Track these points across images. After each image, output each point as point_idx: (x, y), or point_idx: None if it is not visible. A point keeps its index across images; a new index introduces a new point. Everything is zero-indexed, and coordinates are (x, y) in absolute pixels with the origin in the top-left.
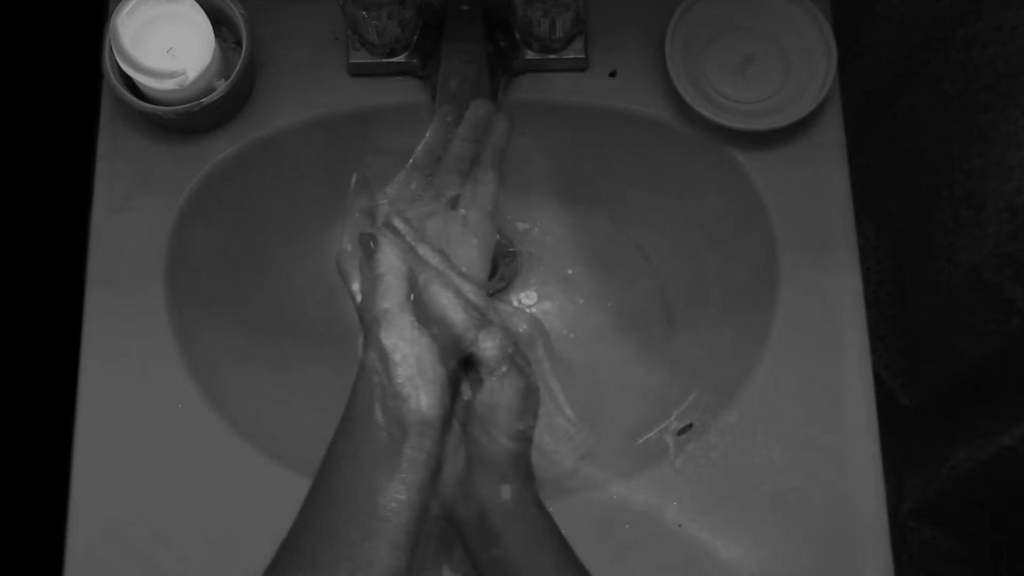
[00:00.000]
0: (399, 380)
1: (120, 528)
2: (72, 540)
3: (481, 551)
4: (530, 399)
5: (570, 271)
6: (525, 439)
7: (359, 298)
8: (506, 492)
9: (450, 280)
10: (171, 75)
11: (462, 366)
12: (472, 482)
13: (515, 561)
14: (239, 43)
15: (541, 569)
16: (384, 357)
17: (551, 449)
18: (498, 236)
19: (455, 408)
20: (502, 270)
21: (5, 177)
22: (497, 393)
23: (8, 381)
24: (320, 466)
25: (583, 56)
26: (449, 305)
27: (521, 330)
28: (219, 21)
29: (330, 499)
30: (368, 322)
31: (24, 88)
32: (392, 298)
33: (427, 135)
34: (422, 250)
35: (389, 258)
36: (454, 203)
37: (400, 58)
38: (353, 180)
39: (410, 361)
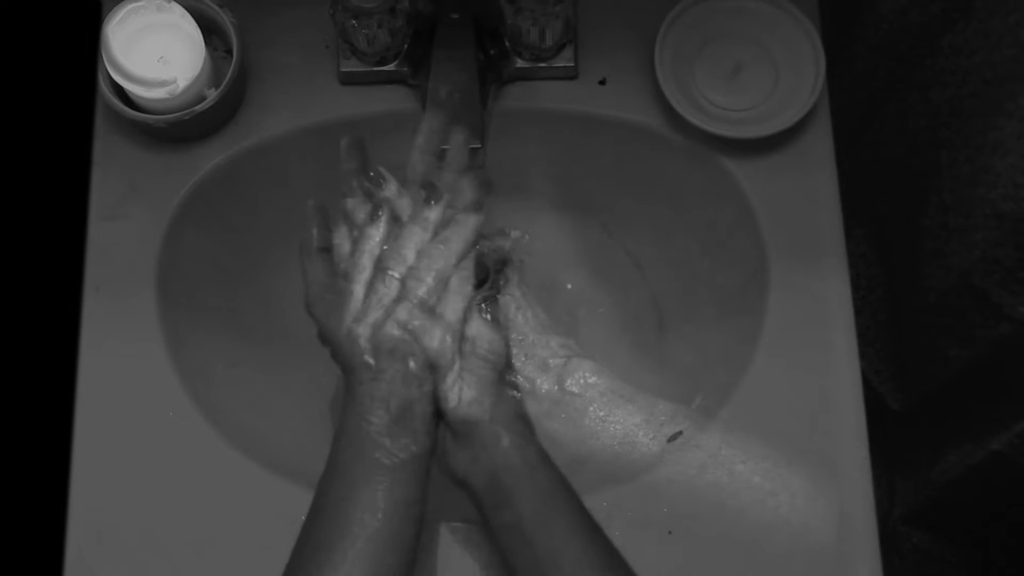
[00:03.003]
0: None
1: (116, 533)
2: (70, 545)
3: (494, 516)
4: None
5: (569, 286)
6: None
7: (341, 334)
8: (506, 441)
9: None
10: (162, 84)
11: None
12: (476, 444)
13: (527, 524)
14: (230, 52)
15: (554, 530)
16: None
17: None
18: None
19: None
20: (493, 277)
21: (10, 185)
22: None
23: (6, 388)
24: (321, 477)
25: (573, 64)
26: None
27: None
28: (210, 30)
29: (321, 510)
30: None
31: (27, 97)
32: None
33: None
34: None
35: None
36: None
37: (391, 66)
38: (309, 208)
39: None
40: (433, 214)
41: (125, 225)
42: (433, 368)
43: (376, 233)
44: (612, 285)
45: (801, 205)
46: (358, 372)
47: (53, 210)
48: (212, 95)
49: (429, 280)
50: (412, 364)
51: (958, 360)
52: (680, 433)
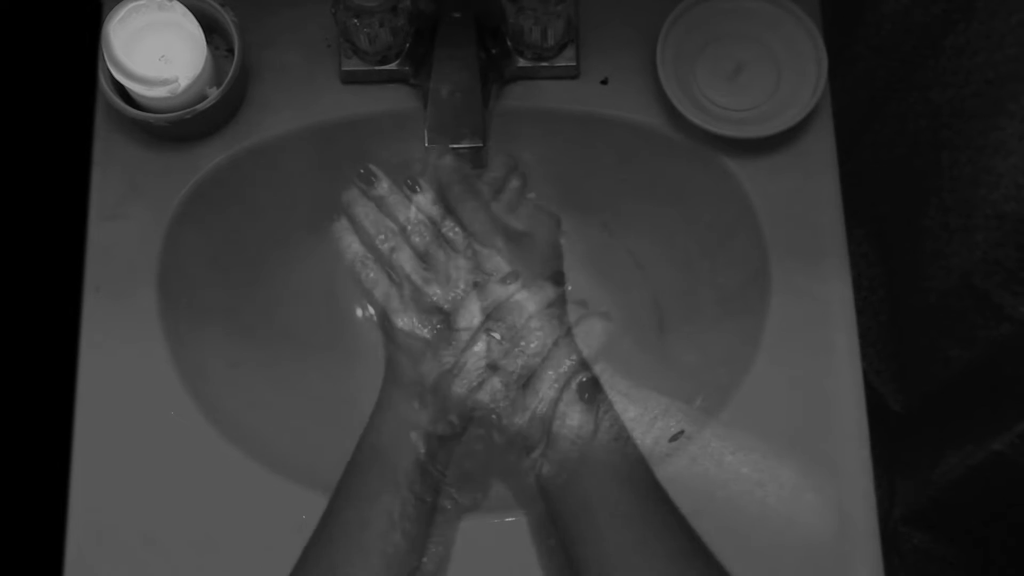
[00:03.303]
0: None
1: (116, 533)
2: (70, 545)
3: (560, 500)
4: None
5: (570, 287)
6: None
7: (429, 377)
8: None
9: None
10: (163, 83)
11: None
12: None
13: (596, 508)
14: (231, 51)
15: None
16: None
17: None
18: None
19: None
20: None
21: (7, 184)
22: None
23: (8, 387)
24: (333, 498)
25: (575, 64)
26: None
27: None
28: (211, 28)
29: (344, 535)
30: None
31: (25, 95)
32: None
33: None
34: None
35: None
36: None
37: (392, 65)
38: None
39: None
40: (554, 292)
41: (126, 224)
42: (516, 441)
43: (501, 293)
44: (613, 285)
45: (803, 205)
46: (439, 425)
47: (53, 209)
48: (213, 94)
49: (531, 355)
50: (497, 437)
51: (959, 361)
52: (682, 433)
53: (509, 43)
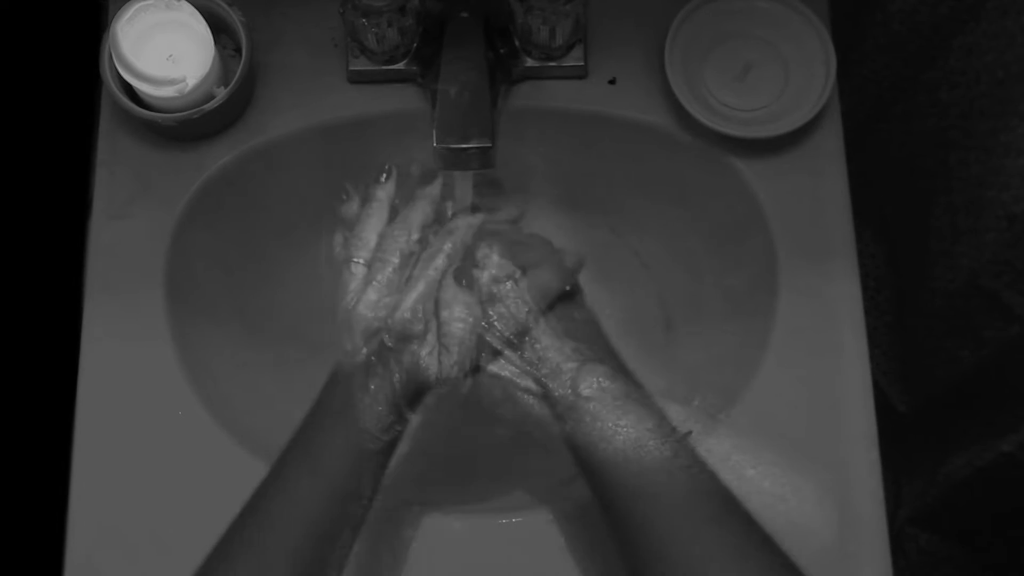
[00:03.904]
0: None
1: (119, 534)
2: (71, 546)
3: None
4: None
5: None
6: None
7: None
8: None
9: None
10: (171, 82)
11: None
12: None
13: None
14: (238, 50)
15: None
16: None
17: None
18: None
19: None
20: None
21: (3, 183)
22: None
23: (8, 387)
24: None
25: (583, 63)
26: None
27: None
28: (219, 28)
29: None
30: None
31: (22, 94)
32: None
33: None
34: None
35: None
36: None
37: (400, 65)
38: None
39: None
40: (384, 192)
41: (132, 224)
42: (409, 339)
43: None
44: (620, 285)
45: (811, 205)
46: (340, 361)
47: (57, 209)
48: (221, 93)
49: (394, 260)
50: (387, 339)
51: (967, 361)
52: (689, 433)
53: (517, 43)
